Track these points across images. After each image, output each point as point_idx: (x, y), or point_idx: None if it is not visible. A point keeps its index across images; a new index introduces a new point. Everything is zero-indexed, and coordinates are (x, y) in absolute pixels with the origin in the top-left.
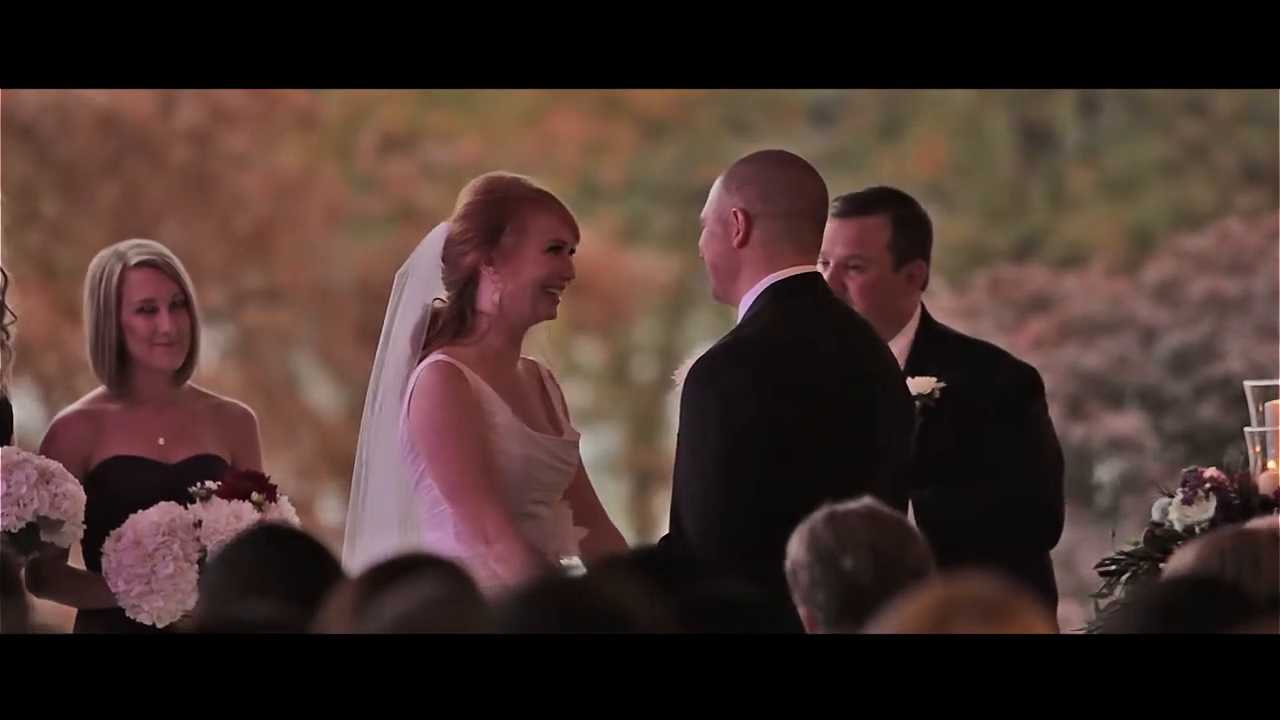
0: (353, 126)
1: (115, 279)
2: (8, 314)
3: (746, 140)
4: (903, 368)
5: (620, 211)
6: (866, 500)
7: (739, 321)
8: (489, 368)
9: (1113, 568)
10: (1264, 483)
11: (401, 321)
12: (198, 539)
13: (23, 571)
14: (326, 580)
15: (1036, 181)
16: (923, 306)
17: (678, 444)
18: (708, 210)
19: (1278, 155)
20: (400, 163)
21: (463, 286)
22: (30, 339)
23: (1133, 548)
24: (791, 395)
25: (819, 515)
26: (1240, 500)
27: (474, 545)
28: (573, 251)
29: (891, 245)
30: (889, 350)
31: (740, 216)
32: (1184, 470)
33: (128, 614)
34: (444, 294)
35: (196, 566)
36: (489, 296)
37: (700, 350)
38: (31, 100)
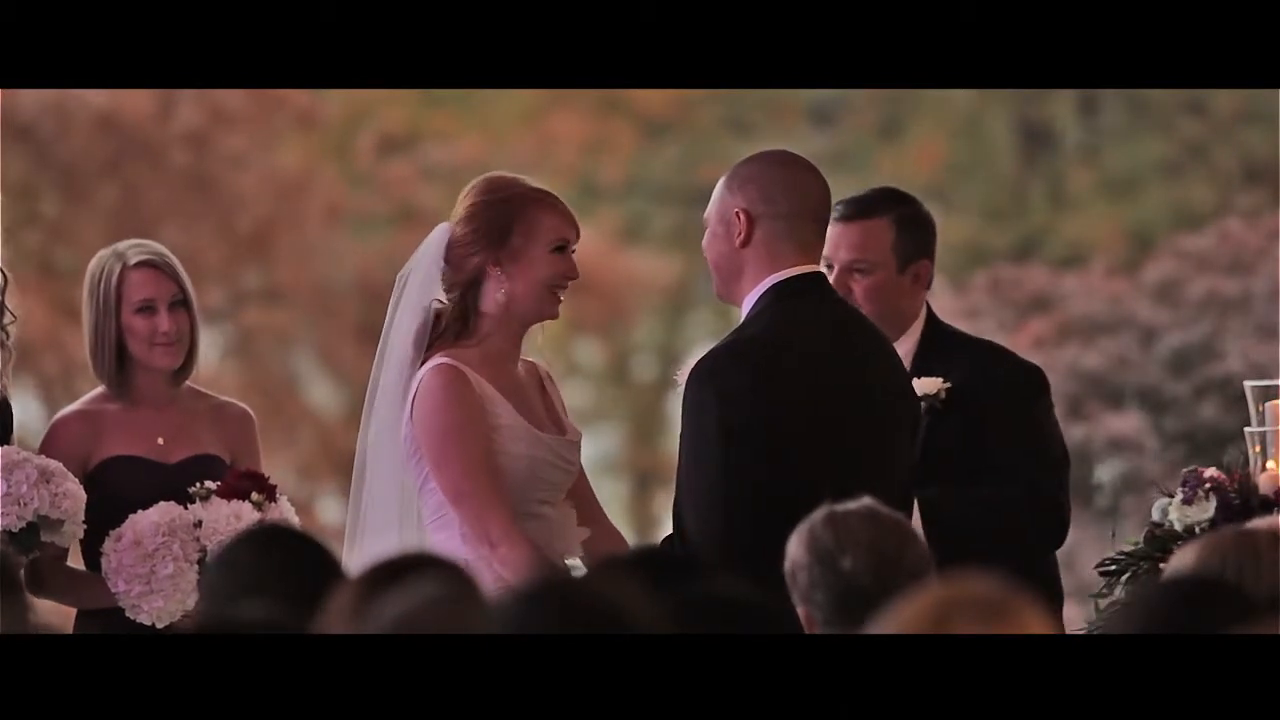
0: (353, 127)
1: (115, 279)
2: (8, 314)
3: (746, 140)
4: (908, 368)
5: (620, 211)
6: (866, 501)
7: (741, 321)
8: (492, 369)
9: (1113, 568)
10: (1264, 483)
11: (401, 323)
12: (197, 539)
13: (23, 571)
14: (326, 580)
15: (1036, 181)
16: (928, 307)
17: (680, 444)
18: (710, 210)
19: (1278, 155)
20: (400, 163)
21: (466, 287)
22: (30, 339)
23: (1133, 548)
24: (793, 395)
25: (818, 516)
26: (1240, 500)
27: (478, 548)
28: (573, 250)
29: (895, 247)
30: (893, 350)
31: (742, 217)
32: (1184, 470)
33: (128, 614)
34: (443, 295)
35: (196, 566)
36: (493, 297)
37: (701, 350)
38: (31, 101)
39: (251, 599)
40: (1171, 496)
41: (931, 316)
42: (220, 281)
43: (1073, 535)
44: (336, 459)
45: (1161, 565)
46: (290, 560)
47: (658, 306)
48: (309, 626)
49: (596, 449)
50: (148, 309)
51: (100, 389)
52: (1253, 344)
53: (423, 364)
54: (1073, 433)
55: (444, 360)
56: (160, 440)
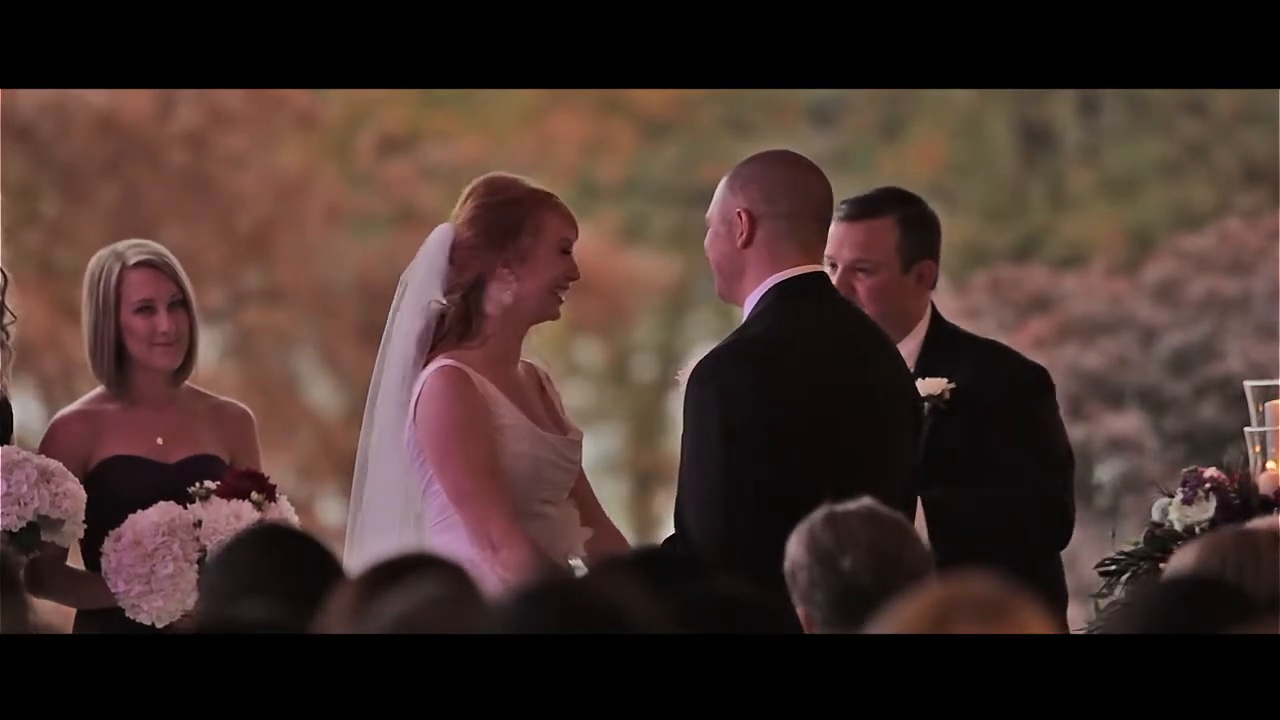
0: (353, 127)
1: (114, 279)
2: (8, 314)
3: (746, 140)
4: (913, 368)
5: (620, 211)
6: (866, 501)
7: (743, 321)
8: (495, 370)
9: (1113, 568)
10: (1264, 483)
11: (403, 324)
12: (197, 539)
13: (23, 571)
14: (327, 580)
15: (1036, 181)
16: (933, 307)
17: (682, 444)
18: (712, 210)
19: (1278, 155)
20: (400, 163)
21: (469, 289)
22: (30, 339)
23: (1133, 548)
24: (794, 395)
25: (818, 516)
26: (1240, 500)
27: (480, 550)
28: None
29: (900, 247)
30: (896, 350)
31: (744, 217)
32: (1184, 470)
33: (127, 614)
34: (441, 296)
35: (196, 566)
36: (499, 298)
37: (702, 350)
38: (30, 101)
39: (251, 599)
40: (1171, 496)
41: (936, 317)
42: (220, 281)
43: (1073, 535)
44: (336, 459)
45: (1161, 565)
46: (290, 560)
47: (658, 306)
48: (309, 626)
49: (596, 449)
50: (147, 309)
51: (100, 389)
52: (1253, 344)
53: (425, 365)
54: (1073, 433)
55: (447, 362)
56: (160, 440)
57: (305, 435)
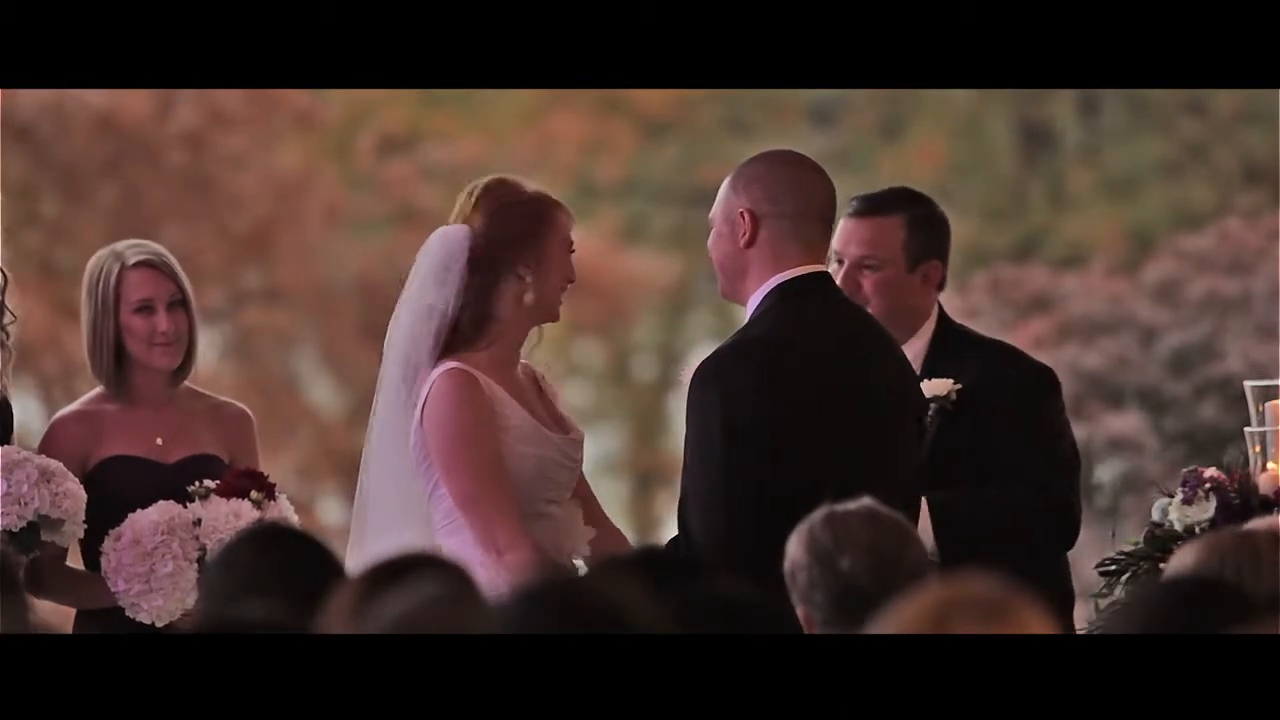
0: (353, 127)
1: (113, 279)
2: (8, 314)
3: (746, 140)
4: (920, 369)
5: (620, 211)
6: (865, 501)
7: (746, 321)
8: (500, 372)
9: (1113, 568)
10: (1264, 483)
11: (405, 324)
12: (197, 538)
13: (22, 571)
14: (327, 580)
15: (1036, 181)
16: (940, 307)
17: (684, 445)
18: (715, 210)
19: (1278, 155)
20: (400, 163)
21: (486, 290)
22: (30, 339)
23: (1133, 548)
24: (797, 396)
25: (817, 516)
26: (1240, 500)
27: (486, 554)
28: None
29: (906, 245)
30: (899, 350)
31: (747, 217)
32: (1184, 470)
33: (127, 613)
34: (452, 298)
35: (196, 565)
36: (511, 299)
37: (702, 349)
38: (30, 101)
39: (251, 599)
40: (1171, 496)
41: (943, 317)
42: (220, 281)
43: None
44: (336, 459)
45: (1161, 565)
46: (290, 560)
47: (658, 306)
48: (309, 626)
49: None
50: (146, 309)
51: (99, 389)
52: (1253, 344)
53: (432, 367)
54: (1073, 433)
55: (454, 365)
56: (159, 440)
57: (305, 435)
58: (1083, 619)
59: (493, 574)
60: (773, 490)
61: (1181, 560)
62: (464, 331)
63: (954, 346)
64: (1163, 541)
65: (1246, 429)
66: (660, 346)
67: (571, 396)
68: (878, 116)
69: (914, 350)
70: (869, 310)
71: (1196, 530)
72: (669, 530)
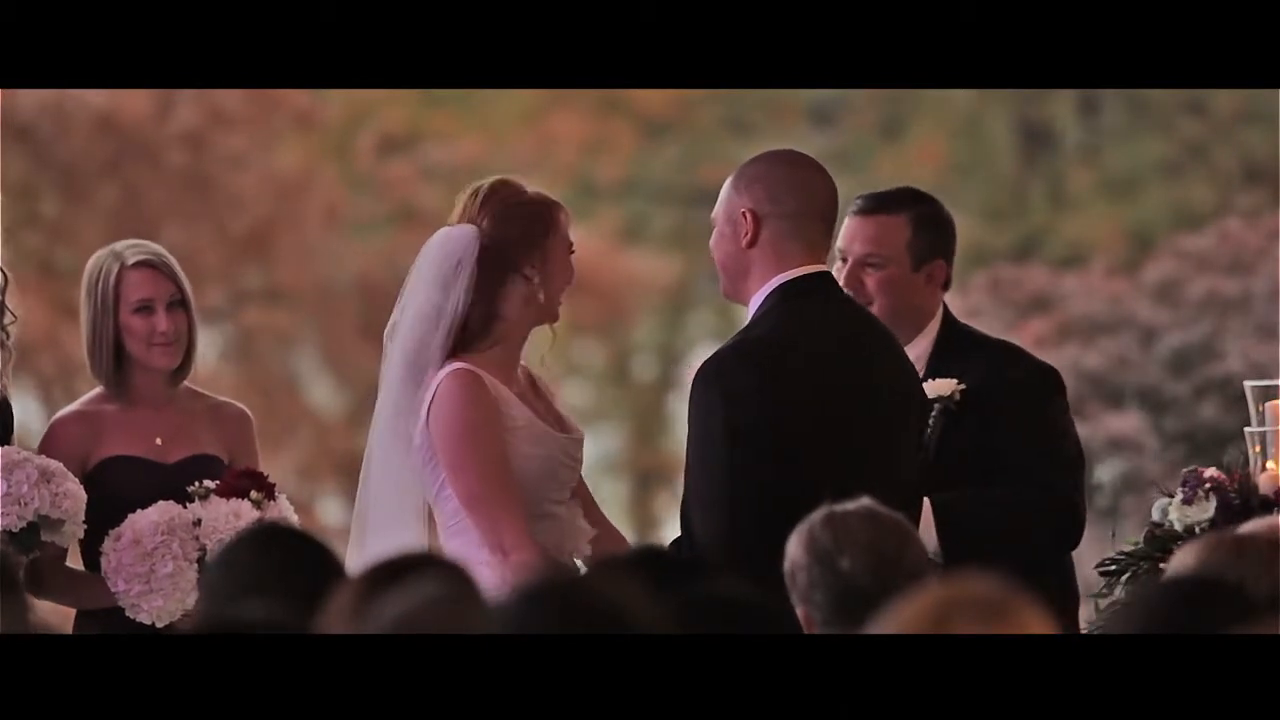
0: (353, 127)
1: (113, 279)
2: (8, 314)
3: (746, 140)
4: (924, 368)
5: (620, 211)
6: (865, 501)
7: (748, 321)
8: (505, 372)
9: (1113, 568)
10: (1264, 483)
11: (408, 325)
12: (197, 538)
13: (22, 572)
14: (327, 580)
15: (1036, 181)
16: (945, 307)
17: (687, 445)
18: (717, 210)
19: (1278, 155)
20: (400, 163)
21: (493, 290)
22: (30, 340)
23: (1133, 548)
24: (799, 396)
25: (817, 516)
26: (1240, 500)
27: (491, 554)
28: None
29: (910, 245)
30: (901, 350)
31: (749, 217)
32: (1184, 470)
33: (127, 613)
34: (460, 298)
35: (196, 565)
36: (517, 299)
37: (702, 349)
38: (30, 101)
39: (252, 599)
40: (1171, 496)
41: (948, 317)
42: (220, 281)
43: None
44: (336, 459)
45: (1161, 565)
46: (290, 560)
47: (658, 306)
48: (309, 626)
49: (596, 449)
50: (145, 309)
51: (98, 390)
52: (1253, 344)
53: (439, 368)
54: None
55: (461, 365)
56: (158, 440)
57: (305, 435)
58: (1083, 619)
59: (499, 574)
60: (775, 490)
61: (1182, 560)
62: (471, 332)
63: (959, 346)
64: (1163, 541)
65: (1246, 429)
66: (660, 346)
67: (571, 396)
68: (878, 116)
69: (919, 350)
70: (872, 309)
71: (1196, 530)
72: (669, 530)
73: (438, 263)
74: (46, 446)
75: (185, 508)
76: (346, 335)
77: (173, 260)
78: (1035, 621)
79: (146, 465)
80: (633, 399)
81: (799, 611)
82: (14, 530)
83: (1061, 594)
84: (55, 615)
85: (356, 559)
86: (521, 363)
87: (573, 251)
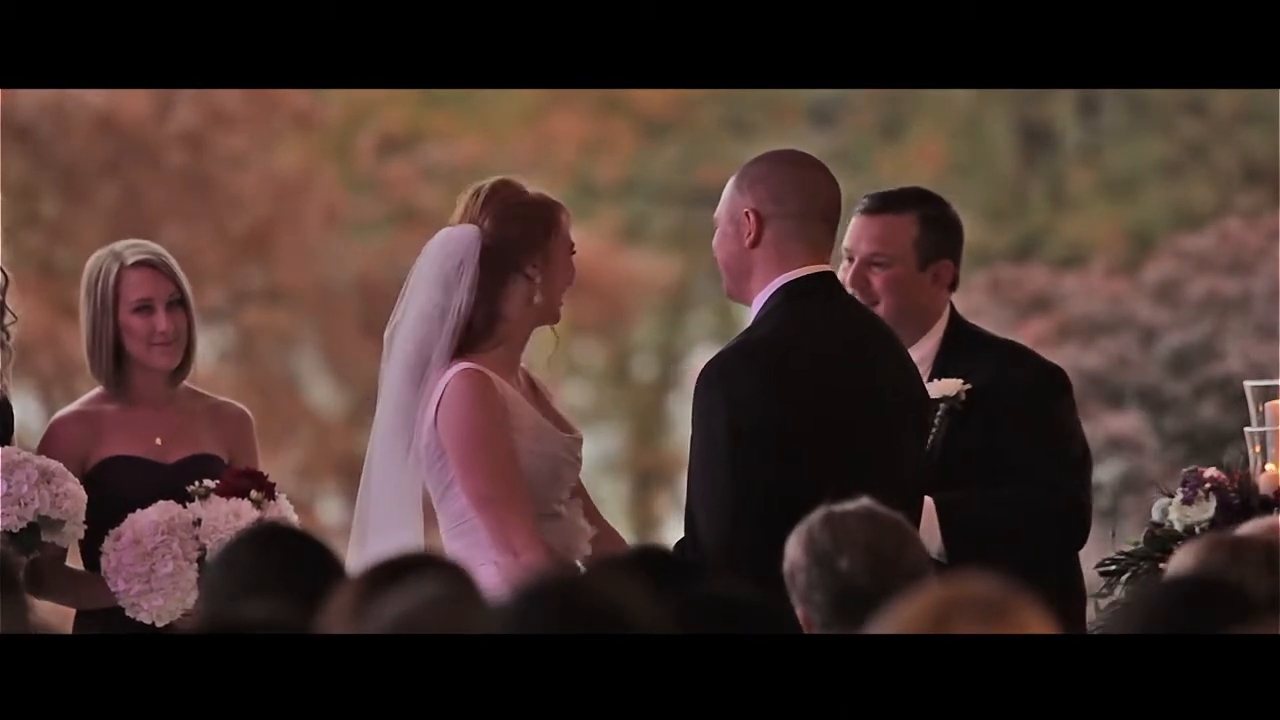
0: (353, 127)
1: (112, 279)
2: (8, 314)
3: (746, 140)
4: (931, 368)
5: (620, 211)
6: (864, 501)
7: (751, 322)
8: (507, 373)
9: (1113, 568)
10: (1264, 483)
11: (410, 325)
12: (197, 537)
13: (22, 572)
14: (327, 580)
15: (1036, 181)
16: (952, 307)
17: (690, 446)
18: (720, 210)
19: (1278, 155)
20: (400, 163)
21: (495, 290)
22: (30, 340)
23: (1133, 548)
24: (802, 396)
25: (816, 516)
26: (1240, 500)
27: (500, 555)
28: None
29: (917, 244)
30: (904, 350)
31: (752, 217)
32: (1184, 470)
33: (128, 613)
34: (463, 298)
35: (196, 565)
36: (519, 299)
37: (701, 349)
38: (30, 101)
39: (252, 599)
40: (1171, 496)
41: (955, 317)
42: (220, 281)
43: None
44: (336, 459)
45: (1161, 565)
46: (290, 559)
47: (658, 306)
48: (309, 626)
49: (596, 449)
50: (145, 308)
51: (98, 390)
52: (1253, 344)
53: (445, 369)
54: None
55: (469, 365)
56: (158, 440)
57: (305, 435)
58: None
59: (510, 575)
60: (778, 491)
61: (1180, 561)
62: (476, 332)
63: (965, 346)
64: (1163, 541)
65: (1246, 429)
66: (660, 346)
67: (571, 396)
68: (878, 116)
69: (925, 350)
70: (878, 309)
71: (1196, 530)
72: (669, 530)
73: (439, 263)
74: (46, 446)
75: (185, 507)
76: (346, 335)
77: (172, 260)
78: (1035, 621)
79: (146, 465)
80: (633, 399)
81: (798, 612)
82: (14, 531)
83: (1068, 594)
84: (55, 615)
85: (357, 559)
86: (523, 365)
87: (574, 252)
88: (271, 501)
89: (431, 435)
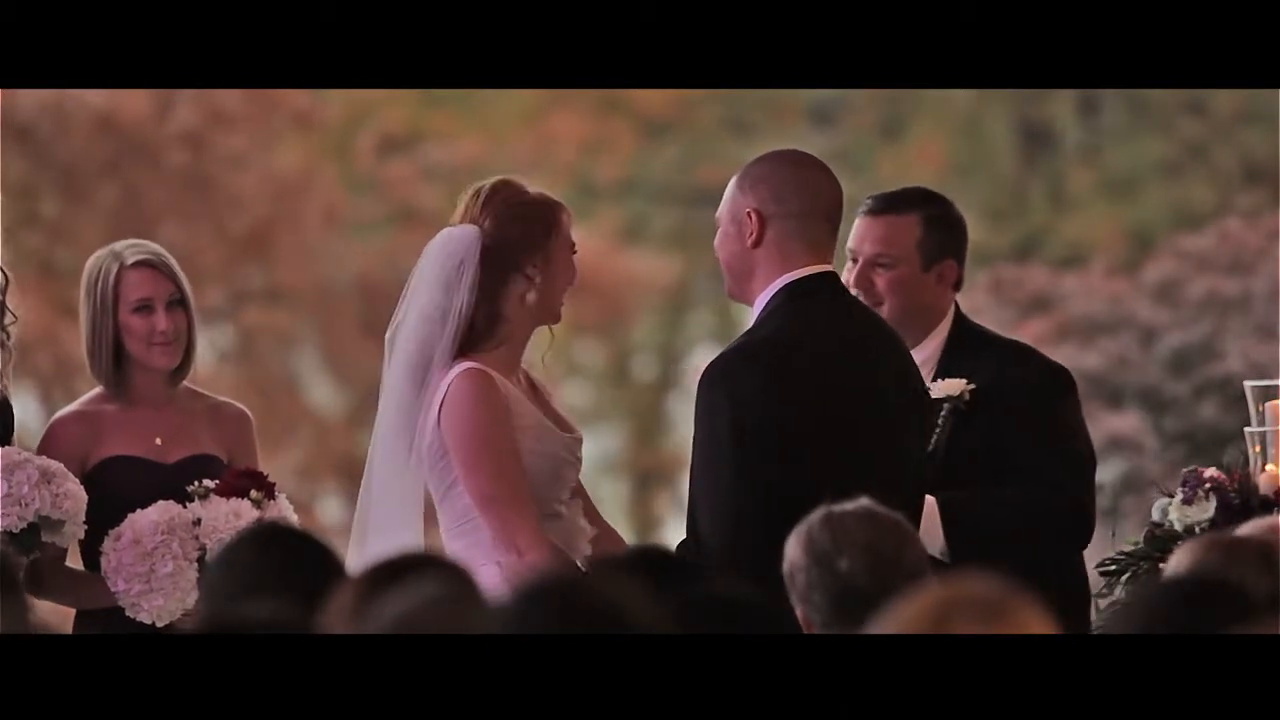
0: (353, 127)
1: (112, 278)
2: (8, 314)
3: (746, 140)
4: (935, 368)
5: (620, 211)
6: (863, 501)
7: (753, 322)
8: (509, 373)
9: (1113, 568)
10: (1264, 483)
11: (411, 326)
12: (196, 537)
13: (22, 572)
14: (327, 579)
15: (1036, 181)
16: (957, 307)
17: (693, 446)
18: (722, 210)
19: (1278, 155)
20: (400, 163)
21: (496, 290)
22: (30, 340)
23: (1133, 548)
24: (804, 396)
25: (816, 516)
26: (1240, 500)
27: (505, 555)
28: None
29: (921, 245)
30: (906, 350)
31: (754, 217)
32: (1184, 470)
33: (128, 612)
34: (464, 298)
35: (196, 564)
36: (519, 299)
37: (701, 349)
38: (30, 101)
39: (252, 599)
40: (1171, 496)
41: (960, 316)
42: (220, 281)
43: None
44: (336, 459)
45: (1161, 565)
46: (291, 559)
47: (658, 306)
48: (310, 626)
49: (596, 449)
50: (145, 308)
51: (98, 390)
52: (1253, 344)
53: (447, 369)
54: None
55: (472, 365)
56: (158, 440)
57: (305, 435)
58: None
59: (514, 574)
60: (781, 491)
61: (1176, 563)
62: (478, 332)
63: (970, 346)
64: (1163, 541)
65: (1246, 429)
66: (660, 346)
67: (571, 396)
68: (878, 116)
69: (930, 350)
70: (883, 309)
71: (1196, 530)
72: (669, 530)
73: (440, 263)
74: (46, 446)
75: (185, 507)
76: (346, 335)
77: (172, 260)
78: (1035, 621)
79: (146, 465)
80: (633, 399)
81: (798, 612)
82: (14, 531)
83: (1072, 593)
84: (55, 615)
85: (357, 559)
86: (523, 366)
87: (575, 251)
88: (271, 501)
89: (434, 435)
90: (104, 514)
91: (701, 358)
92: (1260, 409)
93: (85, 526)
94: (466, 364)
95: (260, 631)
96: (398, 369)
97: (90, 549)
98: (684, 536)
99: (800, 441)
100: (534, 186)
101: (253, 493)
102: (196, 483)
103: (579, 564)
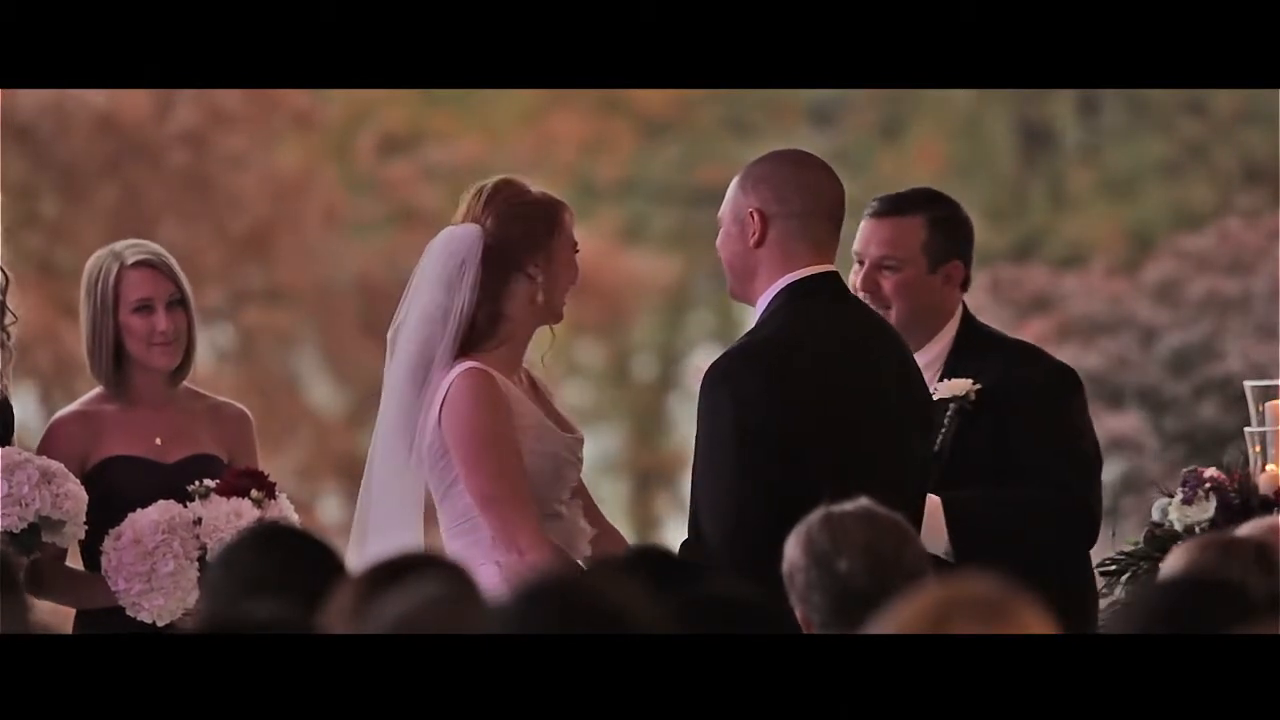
0: (353, 127)
1: (112, 278)
2: (8, 314)
3: (746, 140)
4: (941, 369)
5: (620, 211)
6: (863, 502)
7: (755, 322)
8: (510, 372)
9: (1113, 568)
10: (1264, 483)
11: (413, 325)
12: (197, 536)
13: (23, 572)
14: (327, 579)
15: (1036, 181)
16: (964, 307)
17: (695, 446)
18: (724, 210)
19: (1278, 155)
20: (400, 163)
21: (498, 289)
22: (30, 340)
23: (1133, 548)
24: (806, 396)
25: (815, 517)
26: (1240, 500)
27: (506, 555)
28: None
29: (926, 246)
30: (908, 350)
31: (756, 216)
32: (1184, 470)
33: (128, 612)
34: (465, 297)
35: (196, 564)
36: (521, 300)
37: (701, 349)
38: (30, 101)
39: (253, 598)
40: (1171, 496)
41: (967, 317)
42: (220, 281)
43: None
44: (336, 459)
45: (1161, 565)
46: (291, 559)
47: (658, 306)
48: (310, 626)
49: (596, 449)
50: (145, 308)
51: (98, 390)
52: (1253, 344)
53: (448, 368)
54: None
55: (473, 364)
56: (158, 440)
57: (305, 435)
58: None
59: (515, 574)
60: (783, 491)
61: (1172, 563)
62: (479, 332)
63: (977, 346)
64: (1163, 541)
65: (1246, 429)
66: (660, 346)
67: (571, 396)
68: (878, 116)
69: (937, 350)
70: (890, 311)
71: (1196, 530)
72: (669, 530)
73: (442, 262)
74: (46, 446)
75: (185, 507)
76: (346, 335)
77: (172, 260)
78: (1034, 621)
79: (146, 465)
80: (633, 399)
81: (797, 612)
82: (15, 531)
83: (1078, 593)
84: (55, 615)
85: (357, 559)
86: (524, 365)
87: (577, 251)
88: (272, 501)
89: (435, 435)
90: (104, 514)
91: (702, 358)
92: (1260, 409)
93: (85, 526)
94: (468, 363)
95: (261, 631)
96: (399, 368)
97: (90, 549)
98: (685, 536)
99: (802, 442)
100: (536, 186)
101: (253, 492)
102: (197, 482)
103: (578, 563)
